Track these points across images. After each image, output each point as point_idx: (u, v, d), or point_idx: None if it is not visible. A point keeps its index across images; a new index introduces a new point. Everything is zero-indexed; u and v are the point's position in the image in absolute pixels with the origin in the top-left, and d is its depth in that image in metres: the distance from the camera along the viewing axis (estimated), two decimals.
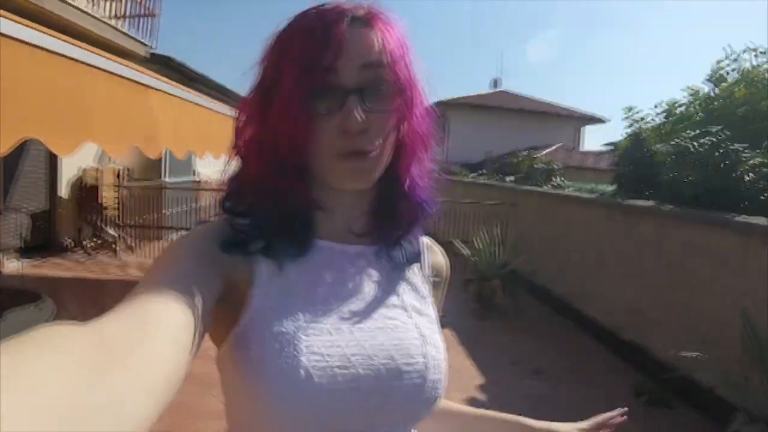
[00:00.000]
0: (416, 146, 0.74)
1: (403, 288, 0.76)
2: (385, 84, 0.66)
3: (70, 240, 8.20)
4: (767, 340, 3.07)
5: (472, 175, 14.25)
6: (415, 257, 0.80)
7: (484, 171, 14.48)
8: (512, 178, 10.87)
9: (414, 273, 0.80)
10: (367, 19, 0.67)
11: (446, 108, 20.48)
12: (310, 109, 0.63)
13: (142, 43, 8.66)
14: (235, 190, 0.72)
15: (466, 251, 6.87)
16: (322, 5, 0.67)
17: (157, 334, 0.45)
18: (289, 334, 0.62)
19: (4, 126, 2.74)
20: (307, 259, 0.70)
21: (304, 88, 0.63)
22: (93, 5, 7.52)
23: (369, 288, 0.73)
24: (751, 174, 4.33)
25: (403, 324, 0.71)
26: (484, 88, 23.45)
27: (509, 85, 23.32)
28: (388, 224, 0.76)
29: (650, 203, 4.99)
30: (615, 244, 5.45)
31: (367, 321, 0.69)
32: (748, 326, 3.16)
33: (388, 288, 0.75)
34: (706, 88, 6.02)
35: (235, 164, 0.73)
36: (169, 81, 5.32)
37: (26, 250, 7.37)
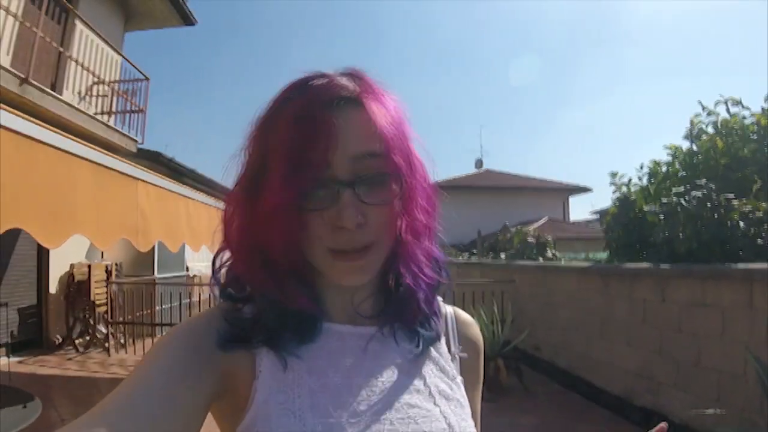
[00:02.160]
0: (416, 235, 0.66)
1: (428, 369, 0.69)
2: (380, 172, 0.60)
3: (60, 337, 7.98)
4: None
5: (463, 255, 14.24)
6: (438, 333, 0.72)
7: (475, 251, 14.48)
8: (504, 255, 10.87)
9: (440, 351, 0.72)
10: (359, 99, 0.61)
11: None
12: (301, 205, 0.58)
13: (130, 138, 8.87)
14: (233, 279, 0.67)
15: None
16: (306, 83, 0.62)
17: None
18: None
19: None
20: (316, 344, 0.64)
21: (294, 184, 0.58)
22: (81, 101, 7.75)
23: (387, 373, 0.65)
24: (743, 222, 4.34)
25: (427, 412, 0.63)
26: (467, 169, 24.09)
27: (491, 162, 23.97)
28: (399, 302, 0.69)
29: (646, 264, 4.95)
30: (616, 310, 5.35)
31: (387, 412, 0.61)
32: (763, 373, 3.04)
33: (410, 371, 0.67)
34: (686, 145, 6.18)
35: (228, 255, 0.68)
36: (158, 174, 5.40)
37: (15, 347, 7.16)
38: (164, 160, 9.34)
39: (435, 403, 0.65)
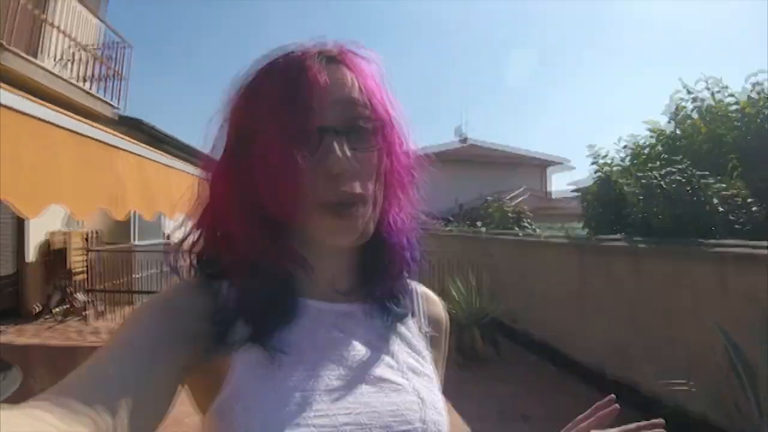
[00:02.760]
0: (397, 188, 0.70)
1: (397, 346, 0.71)
2: (363, 122, 0.62)
3: (38, 305, 7.94)
4: (752, 362, 3.07)
5: (441, 224, 14.27)
6: (407, 310, 0.75)
7: (453, 220, 14.53)
8: (481, 225, 10.93)
9: (409, 328, 0.74)
10: (340, 58, 0.65)
11: None
12: (291, 155, 0.59)
13: (110, 104, 8.71)
14: (208, 249, 0.68)
15: (442, 302, 6.75)
16: (288, 48, 0.65)
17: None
18: (275, 406, 0.57)
19: None
20: (290, 323, 0.64)
21: (283, 132, 0.59)
22: (60, 67, 7.53)
23: (360, 349, 0.67)
24: (720, 204, 4.44)
25: (399, 387, 0.65)
26: (448, 138, 24.03)
27: (474, 134, 23.87)
28: (375, 279, 0.72)
29: (622, 241, 5.06)
30: (592, 284, 5.47)
31: (360, 386, 0.63)
32: (732, 348, 3.16)
33: (381, 348, 0.69)
34: (665, 122, 6.24)
35: (198, 223, 0.69)
36: (137, 142, 5.31)
37: None
38: (145, 127, 9.15)
39: (405, 378, 0.67)
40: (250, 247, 0.63)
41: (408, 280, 0.77)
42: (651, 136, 6.31)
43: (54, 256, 8.07)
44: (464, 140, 24.33)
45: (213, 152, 0.67)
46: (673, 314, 4.28)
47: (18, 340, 6.67)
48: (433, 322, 0.79)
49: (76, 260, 8.14)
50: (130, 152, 4.97)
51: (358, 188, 0.61)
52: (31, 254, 8.07)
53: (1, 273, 7.68)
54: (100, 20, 8.68)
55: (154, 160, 5.77)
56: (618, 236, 5.24)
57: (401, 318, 0.73)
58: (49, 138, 3.76)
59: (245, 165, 0.62)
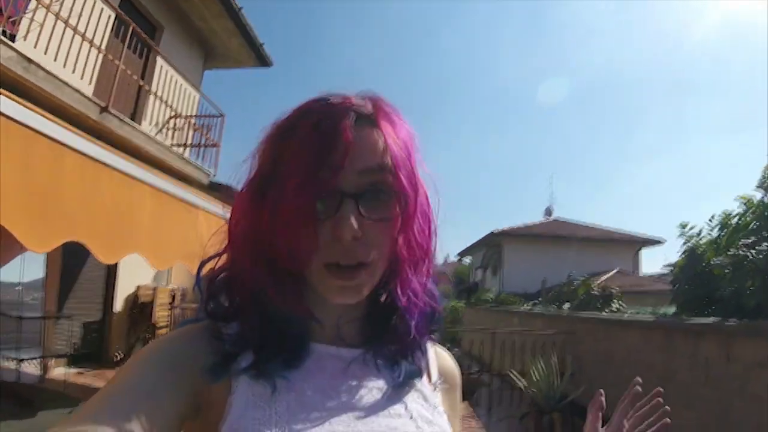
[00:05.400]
0: (413, 258, 0.68)
1: (411, 397, 0.68)
2: (385, 190, 0.61)
3: (120, 353, 8.30)
4: None
5: (527, 304, 13.80)
6: (420, 368, 0.71)
7: (539, 300, 13.99)
8: (568, 305, 10.44)
9: (422, 382, 0.71)
10: (374, 118, 0.63)
11: (501, 238, 20.81)
12: (309, 210, 0.59)
13: (203, 170, 9.25)
14: (220, 290, 0.67)
15: (522, 383, 6.54)
16: (325, 99, 0.64)
17: None
18: None
19: (49, 226, 2.93)
20: (297, 367, 0.63)
21: (303, 191, 0.58)
22: (159, 133, 8.19)
23: (368, 396, 0.64)
24: None
25: None
26: (536, 217, 23.55)
27: (562, 212, 23.26)
28: (382, 335, 0.70)
29: (711, 320, 4.61)
30: (677, 368, 4.98)
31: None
32: None
33: (392, 396, 0.66)
34: (758, 195, 5.78)
35: (221, 264, 0.69)
36: (220, 203, 5.57)
37: (75, 359, 7.54)
38: (234, 192, 9.58)
39: (417, 426, 0.64)
40: (257, 287, 0.63)
41: (422, 341, 0.74)
42: (740, 205, 5.87)
43: (140, 308, 8.52)
44: (549, 213, 23.74)
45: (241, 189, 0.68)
46: (766, 402, 3.78)
47: (96, 383, 6.94)
48: (445, 374, 0.77)
49: (161, 315, 8.56)
50: (212, 213, 5.26)
51: (364, 255, 0.60)
52: (119, 305, 8.54)
53: (89, 319, 8.15)
54: (197, 91, 9.39)
55: None
56: (708, 316, 4.81)
57: (413, 375, 0.70)
58: (133, 192, 4.06)
59: (263, 205, 0.62)
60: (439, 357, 0.78)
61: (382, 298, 0.70)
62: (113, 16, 6.95)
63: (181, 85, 8.70)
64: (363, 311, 0.70)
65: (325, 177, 0.58)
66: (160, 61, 8.21)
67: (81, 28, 6.18)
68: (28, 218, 2.91)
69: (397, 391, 0.67)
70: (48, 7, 5.63)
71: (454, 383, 0.79)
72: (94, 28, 6.43)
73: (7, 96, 2.87)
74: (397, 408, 0.65)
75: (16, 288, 8.56)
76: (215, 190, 8.83)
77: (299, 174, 0.59)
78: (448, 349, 0.83)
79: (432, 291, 0.73)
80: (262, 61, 10.73)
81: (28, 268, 7.66)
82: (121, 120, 6.95)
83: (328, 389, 0.62)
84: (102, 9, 6.65)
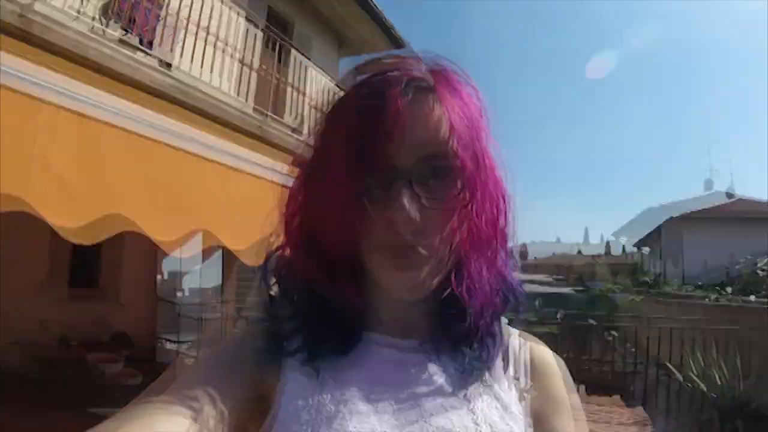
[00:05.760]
0: (475, 245, 0.60)
1: (474, 392, 0.61)
2: (443, 167, 0.56)
3: None
4: None
5: (710, 294, 12.25)
6: (490, 358, 0.64)
7: (723, 290, 12.36)
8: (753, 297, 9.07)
9: (497, 379, 0.64)
10: (432, 87, 0.57)
11: (680, 224, 19.04)
12: (357, 195, 0.55)
13: None
14: (281, 287, 0.65)
15: (702, 386, 5.89)
16: (379, 68, 0.59)
17: None
18: None
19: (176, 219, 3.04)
20: (347, 354, 0.60)
21: (350, 172, 0.55)
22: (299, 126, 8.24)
23: (423, 390, 0.59)
24: None
25: None
26: (695, 190, 21.34)
27: (722, 185, 20.74)
28: (443, 324, 0.63)
29: None
30: None
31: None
32: None
33: (451, 391, 0.60)
34: None
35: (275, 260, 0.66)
36: None
37: None
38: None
39: (475, 424, 0.58)
40: (311, 280, 0.61)
41: (505, 326, 0.69)
42: None
43: None
44: (710, 186, 21.50)
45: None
46: None
47: None
48: (533, 373, 0.68)
49: None
50: None
51: (422, 240, 0.55)
52: None
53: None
54: (335, 83, 9.46)
55: None
56: None
57: (480, 365, 0.63)
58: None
59: (312, 190, 0.61)
60: (527, 351, 0.70)
61: (444, 292, 0.62)
62: (251, 28, 7.18)
63: (321, 78, 8.74)
64: (425, 301, 0.62)
65: (372, 150, 0.54)
66: (295, 53, 8.33)
67: (219, 35, 6.43)
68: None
69: (459, 385, 0.61)
70: (196, 27, 5.89)
71: (546, 375, 0.69)
72: (230, 34, 6.63)
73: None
74: (455, 404, 0.59)
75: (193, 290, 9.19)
76: None
77: (344, 148, 0.55)
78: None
79: (504, 275, 0.66)
80: (395, 42, 10.53)
81: (206, 275, 8.62)
82: (275, 119, 7.22)
83: (378, 381, 0.59)
84: (240, 21, 6.87)
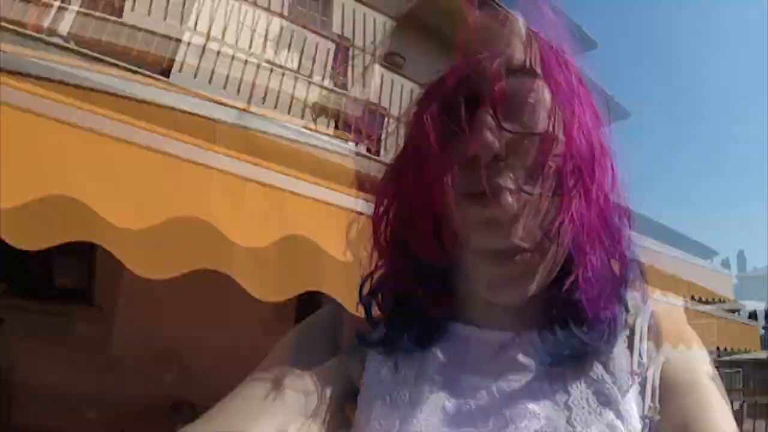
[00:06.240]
0: (589, 241, 0.52)
1: (577, 392, 0.51)
2: (552, 157, 0.49)
3: None
4: None
5: None
6: (598, 345, 0.52)
7: None
8: None
9: (610, 368, 0.52)
10: (537, 69, 0.51)
11: None
12: (445, 189, 0.49)
13: None
14: (375, 292, 0.60)
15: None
16: (472, 56, 0.52)
17: None
18: None
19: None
20: (431, 347, 0.56)
21: (439, 159, 0.49)
22: None
23: (512, 388, 0.52)
24: None
25: None
26: None
27: None
28: (545, 310, 0.55)
29: None
30: None
31: None
32: None
33: (549, 390, 0.51)
34: None
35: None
36: None
37: None
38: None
39: (572, 428, 0.48)
40: (402, 290, 0.57)
41: (637, 309, 0.57)
42: None
43: None
44: None
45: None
46: None
47: None
48: (671, 397, 0.52)
49: None
50: None
51: (525, 240, 0.49)
52: None
53: None
54: None
55: None
56: None
57: (588, 353, 0.52)
58: None
59: (401, 185, 0.56)
60: (660, 332, 0.56)
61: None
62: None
63: None
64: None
65: (464, 143, 0.48)
66: None
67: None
68: None
69: (558, 381, 0.51)
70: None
71: (684, 391, 0.52)
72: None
73: None
74: (550, 406, 0.50)
75: None
76: None
77: (428, 144, 0.50)
78: None
79: (624, 253, 0.55)
80: (585, 43, 10.03)
81: None
82: None
83: (462, 378, 0.53)
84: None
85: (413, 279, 0.55)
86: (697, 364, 0.55)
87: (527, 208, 0.48)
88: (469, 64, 0.52)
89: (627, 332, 0.55)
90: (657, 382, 0.52)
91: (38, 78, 2.26)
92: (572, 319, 0.53)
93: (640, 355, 0.54)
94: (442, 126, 0.50)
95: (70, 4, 5.14)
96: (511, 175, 0.48)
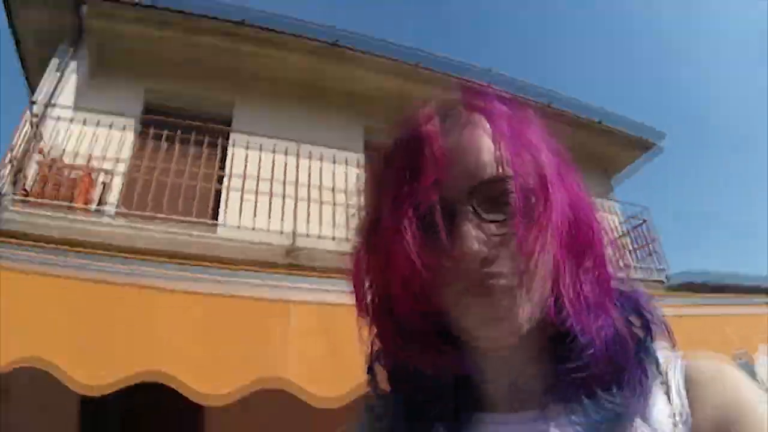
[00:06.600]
0: (564, 259, 0.52)
1: None
2: (502, 187, 0.50)
3: None
4: None
5: None
6: (629, 403, 0.49)
7: None
8: None
9: (651, 419, 0.49)
10: (471, 109, 0.54)
11: None
12: (415, 237, 0.49)
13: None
14: (373, 372, 0.60)
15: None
16: (411, 113, 0.55)
17: None
18: None
19: None
20: None
21: (399, 216, 0.49)
22: None
23: None
24: None
25: None
26: None
27: None
28: (564, 375, 0.51)
29: None
30: None
31: None
32: None
33: None
34: None
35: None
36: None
37: None
38: (695, 285, 7.89)
39: None
40: (395, 352, 0.57)
41: (655, 351, 0.53)
42: None
43: None
44: None
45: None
46: None
47: None
48: (711, 411, 0.49)
49: None
50: None
51: (496, 268, 0.48)
52: None
53: None
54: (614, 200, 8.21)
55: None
56: None
57: (622, 415, 0.48)
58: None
59: (370, 251, 0.56)
60: (698, 389, 0.51)
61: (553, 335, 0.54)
62: None
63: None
64: (537, 352, 0.54)
65: (418, 196, 0.49)
66: None
67: None
68: None
69: None
70: None
71: (732, 416, 0.48)
72: None
73: None
74: None
75: None
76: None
77: (391, 198, 0.51)
78: None
79: (626, 295, 0.55)
80: (649, 144, 9.10)
81: None
82: None
83: None
84: None
85: (410, 343, 0.54)
86: (733, 404, 0.49)
87: (496, 247, 0.48)
88: (406, 130, 0.54)
89: (660, 379, 0.52)
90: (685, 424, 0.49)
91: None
92: (596, 381, 0.50)
93: (683, 412, 0.50)
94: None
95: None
96: (475, 220, 0.48)
